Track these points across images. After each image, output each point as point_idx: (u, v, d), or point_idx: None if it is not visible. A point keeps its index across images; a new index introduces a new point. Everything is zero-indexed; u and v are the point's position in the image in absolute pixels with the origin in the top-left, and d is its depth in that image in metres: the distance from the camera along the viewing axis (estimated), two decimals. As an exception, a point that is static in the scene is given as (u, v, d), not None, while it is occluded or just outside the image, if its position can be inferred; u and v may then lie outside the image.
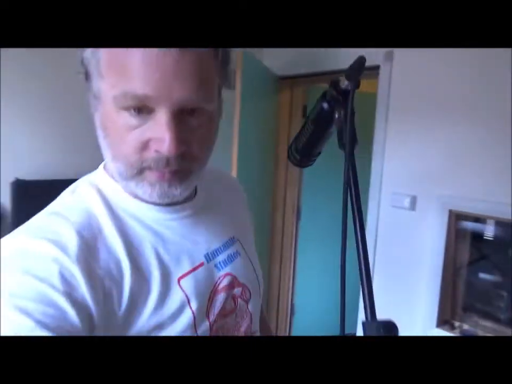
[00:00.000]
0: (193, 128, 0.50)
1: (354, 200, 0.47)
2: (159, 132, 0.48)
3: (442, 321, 1.78)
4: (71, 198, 0.56)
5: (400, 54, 1.93)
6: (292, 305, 2.84)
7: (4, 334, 0.42)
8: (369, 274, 0.43)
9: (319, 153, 0.66)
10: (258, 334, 0.72)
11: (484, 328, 1.72)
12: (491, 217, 1.70)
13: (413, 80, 1.89)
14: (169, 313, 0.54)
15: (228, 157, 2.04)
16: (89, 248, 0.50)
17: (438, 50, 1.75)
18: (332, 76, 2.30)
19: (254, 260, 0.72)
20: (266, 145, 2.52)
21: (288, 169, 2.71)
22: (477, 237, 1.79)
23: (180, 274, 0.57)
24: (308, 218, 2.80)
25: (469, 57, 1.68)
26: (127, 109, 0.48)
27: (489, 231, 1.75)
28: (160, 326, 0.53)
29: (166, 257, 0.56)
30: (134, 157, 0.50)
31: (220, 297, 0.61)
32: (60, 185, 0.60)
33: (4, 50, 1.64)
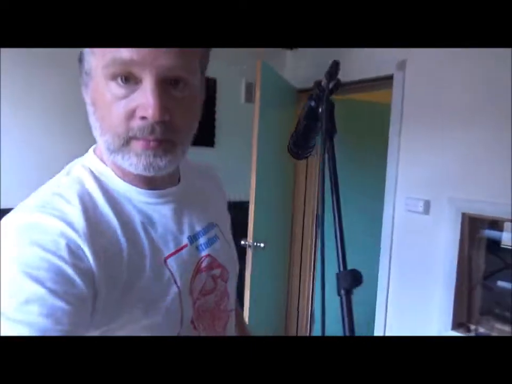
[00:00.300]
0: (177, 99, 0.54)
1: (332, 178, 0.56)
2: (145, 98, 0.51)
3: (457, 324, 1.78)
4: (66, 179, 0.59)
5: (412, 62, 1.99)
6: (312, 313, 2.86)
7: (16, 301, 0.45)
8: (342, 234, 0.52)
9: (313, 146, 0.76)
10: (233, 312, 0.77)
11: (501, 332, 1.70)
12: (505, 219, 1.71)
13: (425, 88, 1.95)
14: (160, 289, 0.59)
15: (247, 167, 2.13)
16: (91, 223, 0.54)
17: (450, 58, 1.81)
18: (348, 89, 2.37)
19: (231, 245, 0.78)
20: (284, 156, 2.59)
21: (307, 180, 2.77)
22: (493, 242, 1.79)
23: (167, 254, 0.61)
24: (328, 227, 2.83)
25: (481, 63, 1.72)
26: (115, 77, 0.52)
27: (505, 236, 1.76)
28: (154, 300, 0.57)
29: (154, 237, 0.60)
30: (121, 127, 0.53)
31: (202, 277, 0.66)
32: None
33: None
